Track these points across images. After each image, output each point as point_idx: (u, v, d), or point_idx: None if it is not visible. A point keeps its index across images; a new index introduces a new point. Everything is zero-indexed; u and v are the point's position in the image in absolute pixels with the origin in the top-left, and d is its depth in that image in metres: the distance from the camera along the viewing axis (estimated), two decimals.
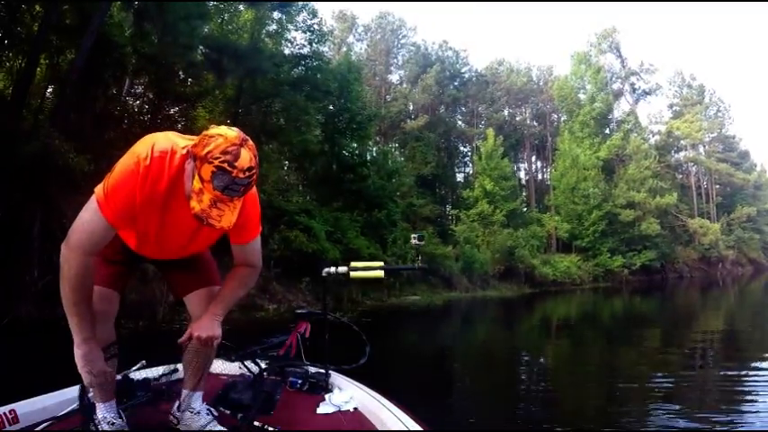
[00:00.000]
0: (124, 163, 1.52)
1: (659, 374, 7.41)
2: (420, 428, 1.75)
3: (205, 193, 1.40)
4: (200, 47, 12.94)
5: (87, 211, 1.55)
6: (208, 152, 1.40)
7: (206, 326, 1.73)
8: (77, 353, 1.64)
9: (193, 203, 1.42)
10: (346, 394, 2.24)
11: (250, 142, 1.46)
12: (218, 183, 1.40)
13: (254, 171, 1.45)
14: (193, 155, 1.44)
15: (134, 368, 2.35)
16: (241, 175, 1.41)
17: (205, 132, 1.46)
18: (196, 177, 1.42)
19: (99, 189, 1.54)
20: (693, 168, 50.51)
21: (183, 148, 1.53)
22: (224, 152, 1.39)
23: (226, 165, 1.39)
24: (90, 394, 1.77)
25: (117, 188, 1.51)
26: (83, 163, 9.66)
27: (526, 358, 9.53)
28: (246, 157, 1.42)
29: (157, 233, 1.68)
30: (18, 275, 9.27)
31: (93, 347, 1.66)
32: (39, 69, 13.30)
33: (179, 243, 1.78)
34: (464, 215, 31.96)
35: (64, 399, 2.00)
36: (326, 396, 2.25)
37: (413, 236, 2.82)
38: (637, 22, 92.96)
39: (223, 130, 1.45)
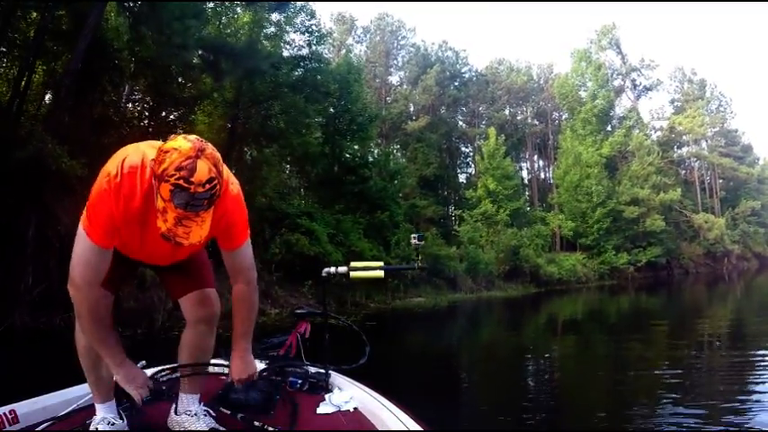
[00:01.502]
0: (98, 183, 1.51)
1: (668, 373, 7.36)
2: (420, 428, 1.73)
3: (168, 211, 1.36)
4: (197, 48, 12.85)
5: (78, 243, 1.56)
6: (163, 170, 1.35)
7: (240, 368, 1.82)
8: (117, 377, 1.68)
9: (159, 223, 1.38)
10: (346, 394, 2.21)
11: (208, 150, 1.40)
12: (178, 200, 1.35)
13: (214, 182, 1.38)
14: (152, 173, 1.41)
15: None
16: (200, 190, 1.36)
17: (161, 146, 1.41)
18: (158, 196, 1.38)
19: (83, 215, 1.55)
20: (696, 164, 50.42)
21: (153, 160, 1.47)
22: (178, 168, 1.34)
23: (182, 181, 1.34)
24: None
25: (95, 210, 1.50)
26: (76, 167, 9.51)
27: (532, 359, 9.45)
28: (204, 168, 1.36)
29: (141, 244, 1.67)
30: (12, 283, 9.10)
31: (129, 367, 1.70)
32: (36, 75, 13.31)
33: (164, 252, 1.75)
34: (467, 215, 31.86)
35: (64, 399, 2.00)
36: (326, 396, 2.22)
37: (413, 236, 2.78)
38: (636, 17, 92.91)
39: (178, 142, 1.38)
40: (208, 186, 1.36)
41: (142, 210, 1.52)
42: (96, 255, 1.55)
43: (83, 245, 1.54)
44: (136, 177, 1.49)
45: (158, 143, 1.57)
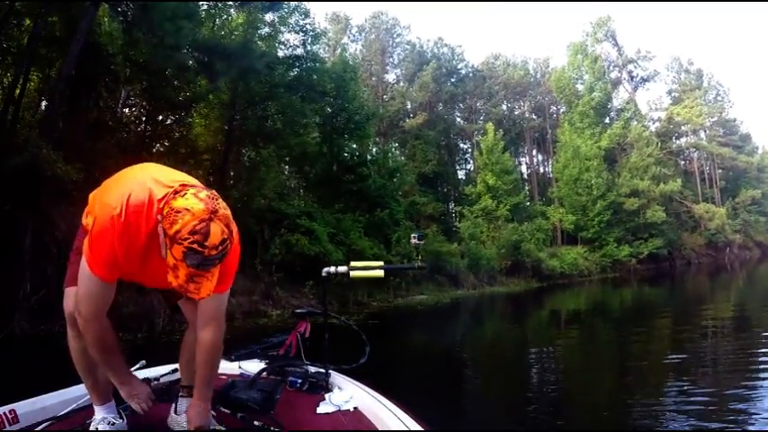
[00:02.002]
0: (100, 218, 1.50)
1: (672, 363, 7.34)
2: (420, 428, 1.72)
3: (180, 269, 1.37)
4: (190, 49, 12.79)
5: (83, 277, 1.55)
6: (176, 232, 1.34)
7: (193, 418, 1.72)
8: (122, 393, 1.73)
9: (170, 278, 1.39)
10: (346, 394, 2.20)
11: (221, 211, 1.39)
12: (190, 261, 1.35)
13: (226, 242, 1.39)
14: (162, 230, 1.39)
15: (134, 368, 2.28)
16: (213, 252, 1.36)
17: (171, 205, 1.38)
18: (168, 253, 1.38)
19: (85, 247, 1.53)
20: (695, 154, 50.41)
21: (161, 199, 1.46)
22: (192, 232, 1.33)
23: (196, 245, 1.34)
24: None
25: (98, 245, 1.49)
26: (71, 172, 9.47)
27: (536, 354, 9.45)
28: (217, 231, 1.36)
29: (141, 273, 1.65)
30: (10, 290, 9.04)
31: (133, 384, 1.76)
32: (31, 83, 13.28)
33: (162, 280, 1.67)
34: (468, 211, 31.84)
35: (64, 399, 2.00)
36: (326, 396, 2.21)
37: (413, 235, 2.78)
38: (632, 9, 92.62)
39: (190, 201, 1.37)
40: (220, 248, 1.37)
41: (144, 247, 1.52)
42: (100, 288, 1.56)
43: (87, 278, 1.54)
44: (141, 216, 1.48)
45: (162, 173, 1.61)
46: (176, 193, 1.42)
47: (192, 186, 1.47)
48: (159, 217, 1.43)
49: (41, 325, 8.92)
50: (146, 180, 1.55)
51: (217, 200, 1.41)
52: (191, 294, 1.40)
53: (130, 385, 1.74)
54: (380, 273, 2.49)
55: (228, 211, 1.44)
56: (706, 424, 4.79)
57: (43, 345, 7.94)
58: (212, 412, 1.88)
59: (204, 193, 1.41)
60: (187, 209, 1.35)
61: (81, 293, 1.57)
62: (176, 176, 1.62)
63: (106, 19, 13.69)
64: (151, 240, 1.49)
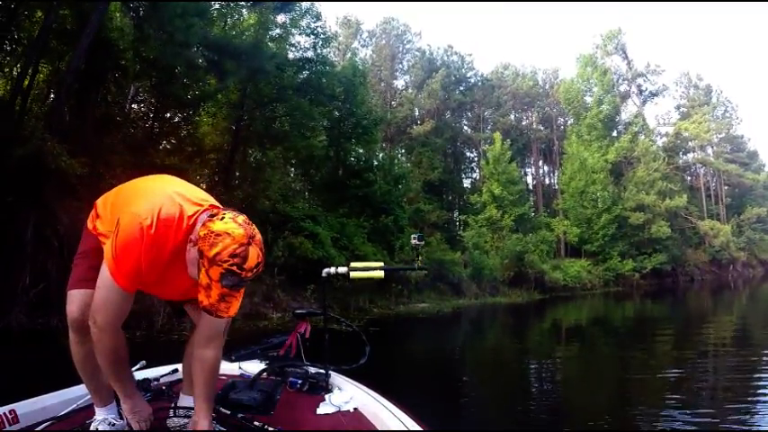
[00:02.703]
0: (128, 227, 1.50)
1: (672, 378, 7.29)
2: (420, 428, 1.73)
3: (213, 289, 1.41)
4: (200, 47, 12.82)
5: (104, 286, 1.55)
6: (216, 254, 1.39)
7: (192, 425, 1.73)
8: (124, 407, 1.71)
9: (201, 297, 1.43)
10: (346, 394, 2.21)
11: (257, 236, 1.46)
12: (226, 282, 1.41)
13: (260, 266, 1.45)
14: (200, 251, 1.42)
15: (134, 368, 2.31)
16: (249, 275, 1.42)
17: (210, 227, 1.43)
18: (203, 273, 1.42)
19: (108, 256, 1.53)
20: (702, 170, 50.18)
21: (191, 216, 1.53)
22: (232, 255, 1.39)
23: (235, 268, 1.39)
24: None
25: (124, 255, 1.50)
26: (75, 166, 9.46)
27: (536, 364, 9.42)
28: (254, 255, 1.42)
29: (157, 285, 1.67)
30: (9, 283, 8.98)
31: (136, 400, 1.72)
32: (41, 75, 13.33)
33: (177, 292, 1.78)
34: (472, 220, 31.79)
35: (64, 399, 1.99)
36: (326, 396, 2.21)
37: (413, 236, 2.73)
38: (642, 22, 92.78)
39: (229, 225, 1.42)
40: (255, 271, 1.44)
41: (169, 260, 1.55)
42: (121, 299, 1.56)
43: (108, 287, 1.54)
44: (171, 230, 1.51)
45: (188, 189, 1.66)
46: (213, 216, 1.47)
47: (227, 210, 1.52)
48: (192, 237, 1.49)
49: (39, 319, 8.87)
50: (174, 195, 1.59)
51: (252, 225, 1.47)
52: (221, 313, 1.44)
53: (133, 401, 1.71)
54: (380, 274, 2.49)
55: (261, 237, 1.49)
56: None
57: (41, 339, 7.91)
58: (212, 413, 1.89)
59: (242, 218, 1.46)
60: (228, 233, 1.40)
61: (99, 302, 1.56)
62: (202, 194, 1.68)
63: (118, 14, 13.77)
64: (175, 255, 1.54)
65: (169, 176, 1.81)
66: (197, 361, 1.75)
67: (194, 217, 1.52)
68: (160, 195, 1.57)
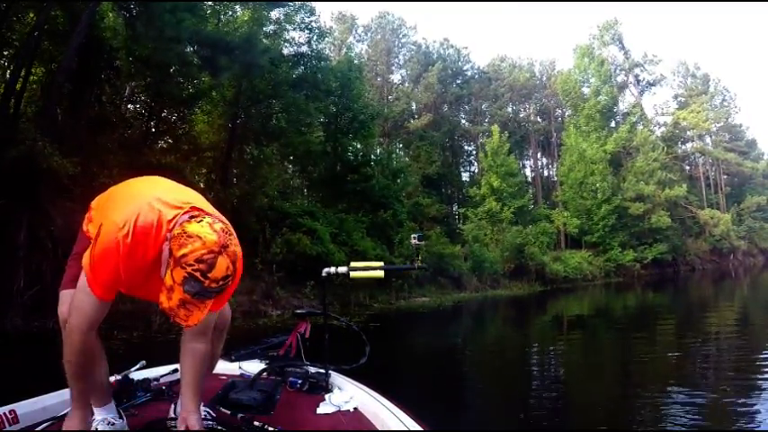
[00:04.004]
0: (105, 236, 1.46)
1: (674, 375, 7.29)
2: (420, 428, 1.71)
3: (175, 291, 1.33)
4: (191, 42, 12.73)
5: (79, 290, 1.53)
6: (182, 255, 1.31)
7: (186, 421, 1.68)
8: (67, 419, 1.65)
9: (162, 298, 1.35)
10: (346, 394, 2.19)
11: (231, 247, 1.37)
12: (188, 288, 1.32)
13: (228, 279, 1.36)
14: (170, 250, 1.36)
15: (134, 368, 2.33)
16: (213, 285, 1.33)
17: (184, 228, 1.36)
18: (168, 273, 1.34)
19: (86, 262, 1.50)
20: (701, 159, 50.19)
21: (170, 221, 1.46)
22: (198, 260, 1.31)
23: (198, 274, 1.30)
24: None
25: (100, 264, 1.47)
26: (67, 166, 9.41)
27: (538, 358, 9.44)
28: (223, 266, 1.33)
29: (141, 288, 1.62)
30: (3, 286, 8.93)
31: (83, 416, 1.65)
32: (34, 77, 13.24)
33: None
34: (472, 213, 31.78)
35: (64, 399, 1.93)
36: (326, 396, 2.19)
37: (413, 236, 2.72)
38: (638, 12, 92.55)
39: (204, 231, 1.35)
40: (221, 283, 1.34)
41: (150, 267, 1.49)
42: (94, 305, 1.53)
43: (83, 291, 1.51)
44: (149, 238, 1.46)
45: (171, 192, 1.60)
46: (192, 217, 1.41)
47: (208, 214, 1.46)
48: (168, 235, 1.42)
49: (35, 322, 8.81)
50: (153, 200, 1.52)
51: (229, 235, 1.39)
52: (179, 320, 1.36)
53: (79, 415, 1.64)
54: (381, 273, 2.47)
55: (239, 249, 1.41)
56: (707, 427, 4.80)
57: (37, 342, 7.84)
58: (212, 413, 1.89)
59: (219, 225, 1.39)
60: (200, 236, 1.33)
61: (73, 304, 1.55)
62: (185, 196, 1.60)
63: (111, 14, 13.72)
64: (156, 261, 1.48)
65: (157, 179, 1.78)
66: (186, 354, 1.73)
67: (174, 221, 1.45)
68: (139, 202, 1.52)
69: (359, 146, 25.03)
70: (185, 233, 1.34)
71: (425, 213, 31.79)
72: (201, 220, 1.39)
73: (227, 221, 1.52)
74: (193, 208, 1.50)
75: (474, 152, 45.62)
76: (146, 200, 1.52)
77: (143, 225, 1.45)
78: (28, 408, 1.86)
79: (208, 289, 1.33)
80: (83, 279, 1.52)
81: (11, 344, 8.03)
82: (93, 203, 1.77)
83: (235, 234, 1.47)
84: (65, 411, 1.84)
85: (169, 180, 1.78)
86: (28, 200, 9.42)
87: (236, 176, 19.23)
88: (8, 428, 1.75)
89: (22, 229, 9.24)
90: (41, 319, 8.74)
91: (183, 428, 1.65)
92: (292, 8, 19.67)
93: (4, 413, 1.77)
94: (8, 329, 8.56)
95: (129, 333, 9.63)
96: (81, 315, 1.53)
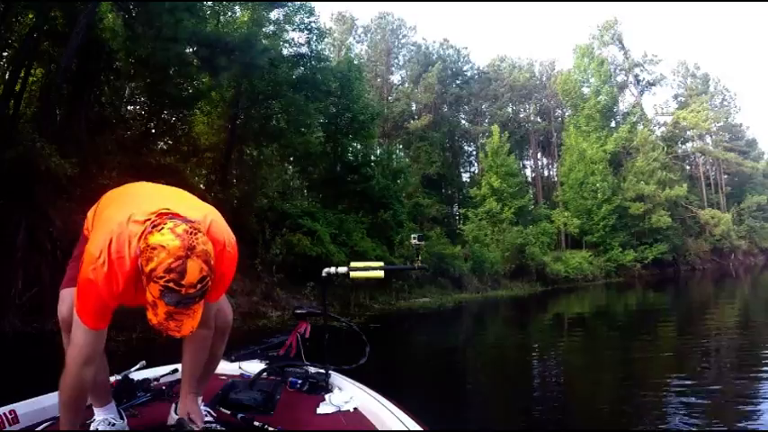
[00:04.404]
0: (85, 267, 1.45)
1: (675, 375, 7.29)
2: (420, 428, 1.72)
3: (159, 306, 1.30)
4: (190, 42, 12.69)
5: (75, 325, 1.51)
6: (151, 270, 1.29)
7: (185, 410, 1.73)
8: None
9: (150, 316, 1.33)
10: (346, 394, 2.20)
11: (199, 247, 1.32)
12: (168, 300, 1.29)
13: (206, 280, 1.33)
14: (140, 265, 1.34)
15: (134, 368, 2.35)
16: (191, 291, 1.30)
17: (147, 241, 1.33)
18: (147, 290, 1.32)
19: (75, 294, 1.50)
20: (701, 159, 50.14)
21: (140, 237, 1.40)
22: (168, 270, 1.27)
23: (172, 284, 1.28)
24: None
25: (85, 296, 1.46)
26: (65, 166, 9.38)
27: (539, 358, 9.45)
28: (195, 269, 1.29)
29: (135, 300, 1.56)
30: (2, 287, 8.88)
31: None
32: (33, 78, 13.22)
33: None
34: (472, 214, 31.71)
35: None
36: (326, 396, 2.20)
37: (413, 236, 2.79)
38: (638, 12, 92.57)
39: (166, 239, 1.31)
40: (199, 287, 1.31)
41: (134, 282, 1.44)
42: (90, 338, 1.51)
43: (77, 329, 1.51)
44: (123, 261, 1.42)
45: (145, 202, 1.54)
46: (154, 226, 1.37)
47: (172, 218, 1.41)
48: (137, 251, 1.39)
49: (33, 323, 8.78)
50: (125, 220, 1.47)
51: (195, 234, 1.34)
52: (171, 333, 1.34)
53: None
54: (380, 273, 2.47)
55: (209, 246, 1.37)
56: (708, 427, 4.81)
57: (35, 343, 7.84)
58: (212, 412, 1.90)
59: (182, 227, 1.34)
60: (162, 245, 1.29)
61: (72, 338, 1.53)
62: (157, 204, 1.53)
63: (111, 15, 13.72)
64: (138, 275, 1.42)
65: (135, 189, 1.75)
66: (186, 341, 1.74)
67: (144, 234, 1.39)
68: (111, 225, 1.48)
69: (359, 146, 24.96)
70: (149, 246, 1.31)
71: (426, 213, 31.77)
72: (162, 228, 1.34)
73: (201, 217, 1.51)
74: (159, 215, 1.44)
75: (474, 152, 45.63)
76: (117, 221, 1.49)
77: (116, 249, 1.42)
78: (28, 408, 1.86)
79: (186, 296, 1.30)
80: (75, 316, 1.51)
81: (9, 345, 8.00)
82: (90, 212, 1.77)
83: (208, 228, 1.48)
84: None
85: (149, 185, 1.77)
86: (26, 201, 9.40)
87: (236, 177, 19.22)
88: (8, 428, 1.75)
89: (21, 230, 9.21)
90: (40, 321, 8.71)
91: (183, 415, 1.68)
92: (292, 9, 19.62)
93: (4, 413, 1.77)
94: (6, 330, 8.53)
95: (129, 333, 9.51)
96: (75, 347, 1.52)
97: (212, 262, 1.36)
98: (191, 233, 1.34)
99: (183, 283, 1.27)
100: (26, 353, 7.40)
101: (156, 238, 1.32)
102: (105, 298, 1.44)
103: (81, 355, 1.51)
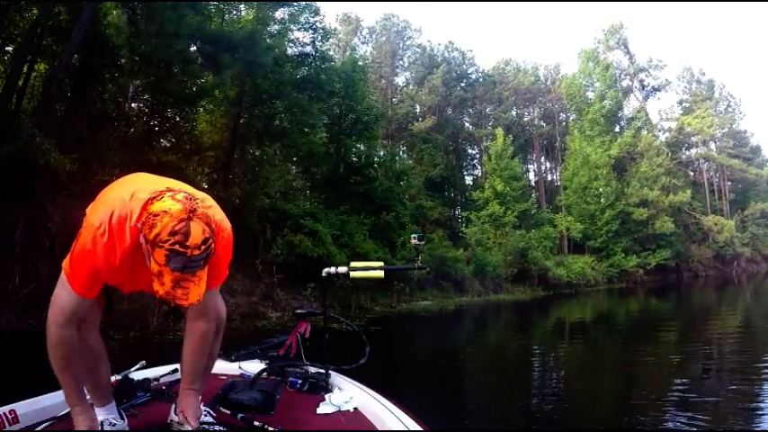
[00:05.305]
0: (83, 236, 1.49)
1: (676, 380, 7.28)
2: (420, 428, 1.72)
3: (165, 275, 1.34)
4: (192, 38, 12.67)
5: (59, 285, 1.54)
6: (155, 235, 1.32)
7: (181, 406, 1.74)
8: (76, 420, 1.62)
9: (156, 287, 1.36)
10: (346, 394, 2.19)
11: (200, 210, 1.37)
12: (174, 265, 1.33)
13: (209, 242, 1.37)
14: (143, 237, 1.38)
15: (134, 368, 2.34)
16: (196, 252, 1.33)
17: (149, 209, 1.38)
18: (151, 259, 1.35)
19: (66, 261, 1.53)
20: (705, 165, 50.03)
21: (141, 211, 1.44)
22: (172, 233, 1.31)
23: (177, 246, 1.31)
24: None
25: (79, 262, 1.49)
26: (65, 162, 9.35)
27: (539, 363, 9.42)
28: (198, 230, 1.34)
29: (132, 283, 1.64)
30: None
31: (79, 413, 1.62)
32: (35, 73, 13.21)
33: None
34: (474, 217, 31.67)
35: (64, 399, 1.90)
36: (326, 396, 2.20)
37: (412, 235, 2.74)
38: (644, 17, 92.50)
39: (166, 204, 1.36)
40: (203, 248, 1.35)
41: (131, 259, 1.49)
42: (74, 303, 1.53)
43: (62, 289, 1.53)
44: (124, 232, 1.46)
45: (146, 184, 1.56)
46: (153, 198, 1.41)
47: (170, 190, 1.45)
48: (139, 225, 1.41)
49: (30, 320, 8.72)
50: (127, 196, 1.51)
51: (194, 200, 1.40)
52: (179, 301, 1.36)
53: (75, 413, 1.62)
54: (380, 273, 2.46)
55: (210, 211, 1.43)
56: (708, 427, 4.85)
57: (32, 341, 7.70)
58: (212, 412, 1.90)
59: (181, 195, 1.40)
60: (165, 211, 1.34)
61: (53, 301, 1.54)
62: (159, 185, 1.56)
63: (115, 12, 13.72)
64: (136, 251, 1.47)
65: (138, 175, 1.76)
66: (186, 334, 1.76)
67: (144, 207, 1.44)
68: (115, 199, 1.52)
69: (362, 147, 24.98)
70: (151, 214, 1.35)
71: (428, 216, 31.78)
72: (163, 197, 1.39)
73: (198, 192, 1.54)
74: (160, 192, 1.46)
75: (477, 155, 45.61)
76: (120, 197, 1.52)
77: (117, 221, 1.46)
78: (28, 408, 1.86)
79: (192, 258, 1.33)
80: (62, 275, 1.53)
81: (5, 342, 7.93)
82: (89, 209, 1.75)
83: (206, 199, 1.52)
84: (65, 411, 1.83)
85: (150, 174, 1.78)
86: (25, 196, 9.38)
87: (238, 176, 19.21)
88: (8, 428, 1.75)
89: (19, 225, 9.17)
90: (37, 318, 8.61)
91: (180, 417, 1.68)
92: (297, 8, 19.63)
93: (4, 413, 1.77)
94: (3, 328, 8.49)
95: (126, 333, 9.55)
96: (57, 309, 1.53)
97: (213, 226, 1.40)
98: (190, 199, 1.39)
99: (187, 244, 1.31)
100: (24, 351, 7.35)
101: (157, 206, 1.36)
102: (100, 267, 1.47)
103: (63, 315, 1.52)
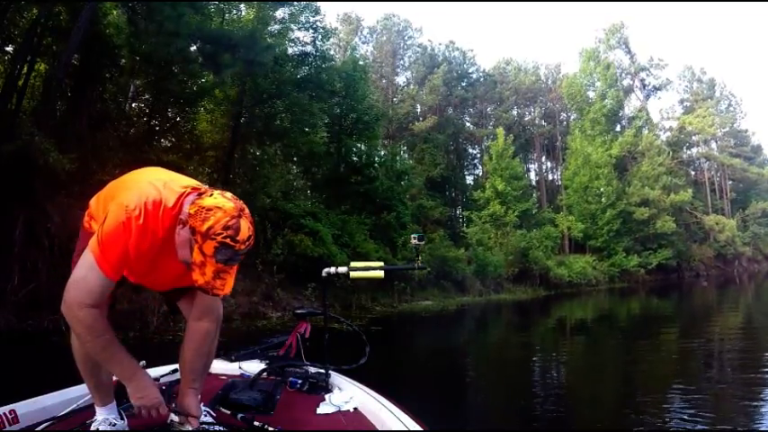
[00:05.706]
0: (115, 217, 1.51)
1: (677, 379, 7.27)
2: (420, 428, 1.73)
3: (207, 266, 1.43)
4: (192, 37, 12.62)
5: (83, 266, 1.53)
6: (209, 228, 1.41)
7: (181, 406, 1.76)
8: (129, 391, 1.64)
9: (196, 276, 1.44)
10: (346, 394, 2.20)
11: (247, 210, 1.49)
12: (221, 257, 1.43)
13: (251, 238, 1.47)
14: (192, 228, 1.45)
15: None
16: (242, 247, 1.45)
17: (200, 204, 1.46)
18: (196, 251, 1.44)
19: (93, 243, 1.53)
20: (706, 164, 50.04)
21: (176, 202, 1.54)
22: (225, 227, 1.42)
23: (228, 240, 1.42)
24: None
25: (111, 243, 1.50)
26: (64, 161, 9.33)
27: (540, 363, 9.41)
28: (245, 227, 1.45)
29: (147, 274, 1.70)
30: None
31: (139, 380, 1.64)
32: (35, 73, 13.21)
33: (167, 280, 1.80)
34: (476, 216, 31.65)
35: (64, 399, 2.00)
36: (326, 396, 2.20)
37: (412, 236, 2.70)
38: (645, 16, 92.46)
39: (220, 201, 1.46)
40: (248, 243, 1.46)
41: (159, 249, 1.56)
42: (102, 285, 1.53)
43: (89, 271, 1.52)
44: (158, 219, 1.53)
45: (173, 178, 1.67)
46: (201, 193, 1.52)
47: (214, 189, 1.56)
48: (182, 217, 1.50)
49: (29, 320, 8.68)
50: (159, 183, 1.60)
51: (241, 201, 1.51)
52: (216, 291, 1.45)
53: (136, 383, 1.62)
54: (380, 273, 2.47)
55: (251, 216, 1.53)
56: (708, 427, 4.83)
57: (31, 341, 7.79)
58: (212, 412, 1.91)
59: (230, 194, 1.51)
60: (219, 206, 1.44)
61: (75, 283, 1.51)
62: (186, 181, 1.68)
63: (115, 11, 13.71)
64: (165, 241, 1.55)
65: (155, 168, 1.81)
66: (188, 333, 1.80)
67: (180, 201, 1.54)
68: (146, 185, 1.58)
69: (363, 147, 24.98)
70: (204, 208, 1.44)
71: (429, 216, 31.73)
72: (213, 194, 1.50)
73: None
74: (195, 189, 1.58)
75: (478, 155, 45.62)
76: (152, 183, 1.59)
77: (153, 205, 1.52)
78: (28, 408, 1.86)
79: (238, 252, 1.44)
80: (88, 257, 1.52)
81: (4, 342, 7.85)
82: (93, 200, 1.80)
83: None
84: (65, 411, 1.87)
85: (168, 170, 1.81)
86: (25, 196, 9.36)
87: (239, 176, 19.20)
88: (8, 428, 1.74)
89: (18, 225, 9.15)
90: (36, 318, 8.64)
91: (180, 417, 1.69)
92: (297, 8, 19.61)
93: (4, 413, 1.77)
94: (2, 328, 8.41)
95: (125, 333, 9.46)
96: (83, 289, 1.51)
97: (254, 226, 1.51)
98: (237, 199, 1.51)
99: (237, 239, 1.42)
100: (23, 351, 7.36)
101: (209, 201, 1.46)
102: (131, 250, 1.51)
103: (91, 297, 1.51)
